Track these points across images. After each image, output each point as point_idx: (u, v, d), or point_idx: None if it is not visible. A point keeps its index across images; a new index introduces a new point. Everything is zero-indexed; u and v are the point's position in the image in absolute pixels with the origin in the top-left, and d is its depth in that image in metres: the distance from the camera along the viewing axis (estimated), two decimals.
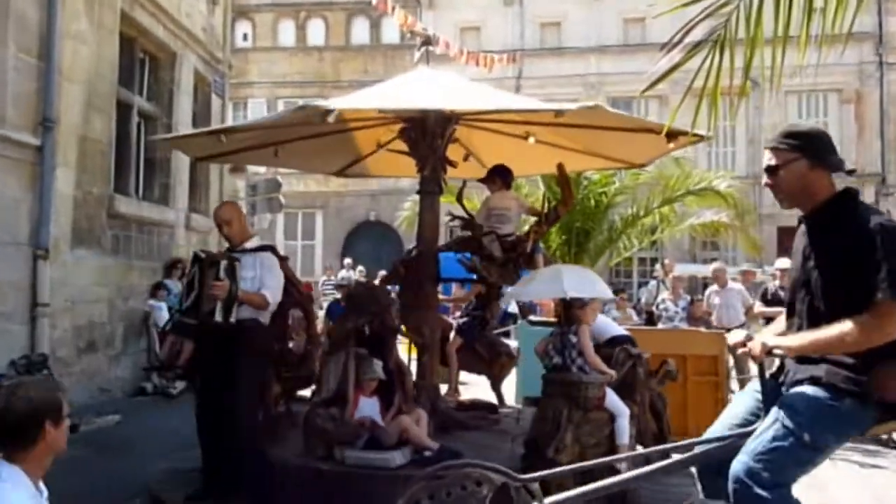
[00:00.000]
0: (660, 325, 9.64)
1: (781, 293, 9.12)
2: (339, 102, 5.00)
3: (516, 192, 7.21)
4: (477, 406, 6.65)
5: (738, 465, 2.69)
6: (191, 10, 11.35)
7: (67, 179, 8.20)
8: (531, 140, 6.33)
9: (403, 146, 6.02)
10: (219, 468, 4.80)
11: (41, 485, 2.71)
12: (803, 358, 2.75)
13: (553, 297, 5.12)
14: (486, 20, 25.76)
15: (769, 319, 9.16)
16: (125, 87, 9.71)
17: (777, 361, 2.90)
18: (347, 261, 20.38)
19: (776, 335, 2.90)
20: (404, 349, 6.36)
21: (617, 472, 4.70)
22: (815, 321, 2.73)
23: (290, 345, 5.85)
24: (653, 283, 13.10)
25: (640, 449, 4.78)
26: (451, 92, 5.64)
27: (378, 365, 5.06)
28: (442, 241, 6.33)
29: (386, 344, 5.28)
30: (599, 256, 11.44)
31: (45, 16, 7.71)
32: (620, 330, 6.13)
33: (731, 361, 8.52)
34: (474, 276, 6.35)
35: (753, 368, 2.96)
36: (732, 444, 2.81)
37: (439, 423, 5.40)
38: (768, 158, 2.89)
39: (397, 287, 6.11)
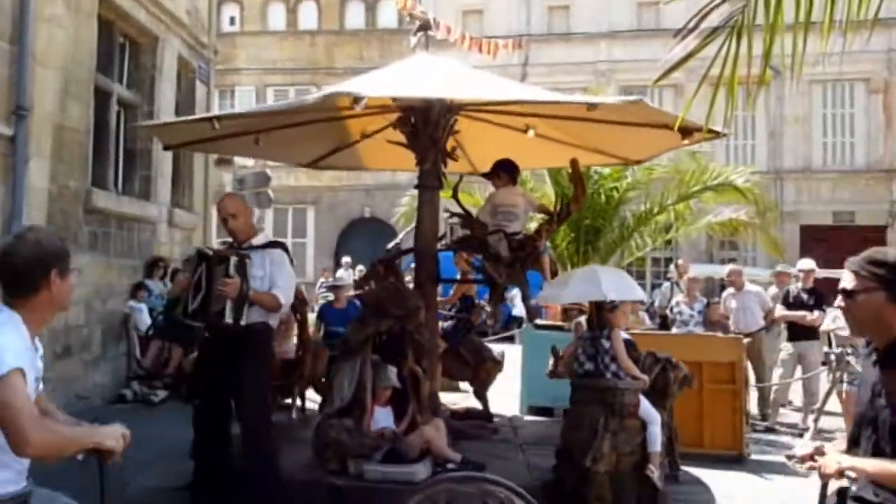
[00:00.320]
0: (674, 330, 9.65)
1: (804, 296, 9.16)
2: (352, 88, 4.88)
3: (522, 188, 7.21)
4: (472, 415, 6.67)
5: None
6: None
7: (41, 172, 8.21)
8: (531, 133, 6.33)
9: (395, 137, 5.99)
10: (211, 484, 4.75)
11: (37, 341, 2.70)
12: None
13: (591, 300, 5.12)
14: (489, 3, 25.77)
15: (791, 324, 9.23)
16: (104, 73, 9.72)
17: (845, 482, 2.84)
18: (346, 259, 20.35)
19: (842, 451, 2.81)
20: None
21: (650, 481, 4.80)
22: None
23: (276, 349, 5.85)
24: (666, 284, 13.11)
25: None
26: (459, 80, 5.62)
27: (393, 372, 5.03)
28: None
29: (401, 350, 5.22)
30: (610, 256, 11.45)
31: None
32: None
33: (750, 369, 8.55)
34: (475, 277, 6.36)
35: (797, 451, 2.89)
36: None
37: None
38: (847, 281, 2.86)
39: (352, 290, 6.04)
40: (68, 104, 8.71)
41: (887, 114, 23.34)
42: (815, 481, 2.76)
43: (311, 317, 8.65)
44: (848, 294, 2.84)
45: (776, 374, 9.28)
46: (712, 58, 3.13)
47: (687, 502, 5.43)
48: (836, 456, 2.72)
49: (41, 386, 2.79)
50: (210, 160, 12.77)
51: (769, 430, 8.81)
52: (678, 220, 11.65)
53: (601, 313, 5.03)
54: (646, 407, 4.94)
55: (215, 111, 12.48)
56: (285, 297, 4.85)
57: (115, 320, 9.76)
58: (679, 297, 10.37)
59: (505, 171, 6.31)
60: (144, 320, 9.83)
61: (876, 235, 20.26)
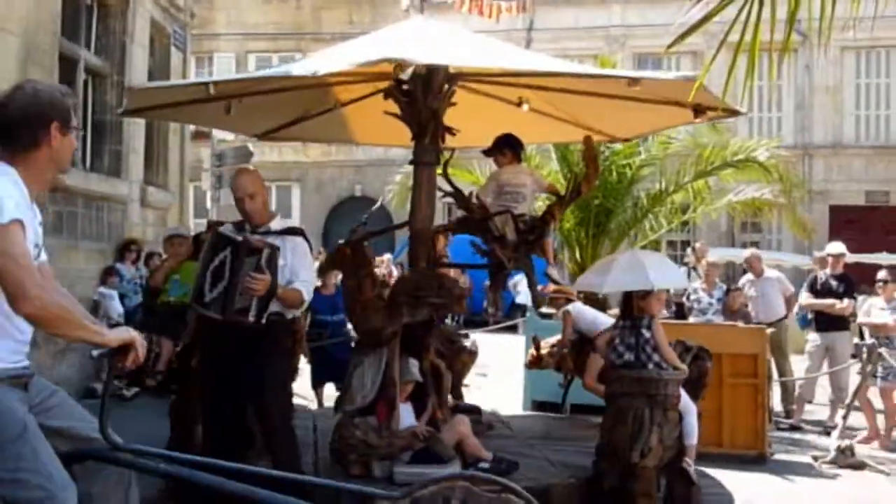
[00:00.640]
0: (691, 319, 9.65)
1: (833, 282, 9.14)
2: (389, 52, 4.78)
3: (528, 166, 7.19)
4: (461, 410, 6.72)
5: None
6: None
7: None
8: (524, 107, 6.30)
9: (382, 106, 5.87)
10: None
11: (35, 207, 2.68)
12: None
13: (637, 289, 5.17)
14: None
15: (819, 313, 9.22)
16: (69, 39, 9.66)
17: None
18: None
19: None
20: None
21: (686, 475, 4.88)
22: None
23: None
24: (683, 270, 13.12)
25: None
26: (468, 46, 5.56)
27: (415, 366, 5.01)
28: (438, 220, 6.32)
29: (423, 342, 5.21)
30: (622, 239, 11.44)
31: None
32: (612, 321, 6.20)
33: (773, 362, 8.57)
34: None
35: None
36: None
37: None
38: None
39: (340, 275, 5.97)
40: (31, 72, 8.64)
41: None
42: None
43: None
44: None
45: (802, 368, 9.29)
46: (732, 21, 3.10)
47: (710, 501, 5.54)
48: None
49: (43, 255, 2.77)
50: (186, 133, 12.73)
51: (794, 428, 8.83)
52: (696, 200, 11.63)
53: (632, 301, 5.10)
54: (683, 398, 5.09)
55: (192, 79, 12.41)
56: (308, 293, 4.78)
57: (84, 308, 9.73)
58: (697, 283, 10.36)
59: (510, 148, 6.23)
60: (116, 308, 9.81)
61: None
